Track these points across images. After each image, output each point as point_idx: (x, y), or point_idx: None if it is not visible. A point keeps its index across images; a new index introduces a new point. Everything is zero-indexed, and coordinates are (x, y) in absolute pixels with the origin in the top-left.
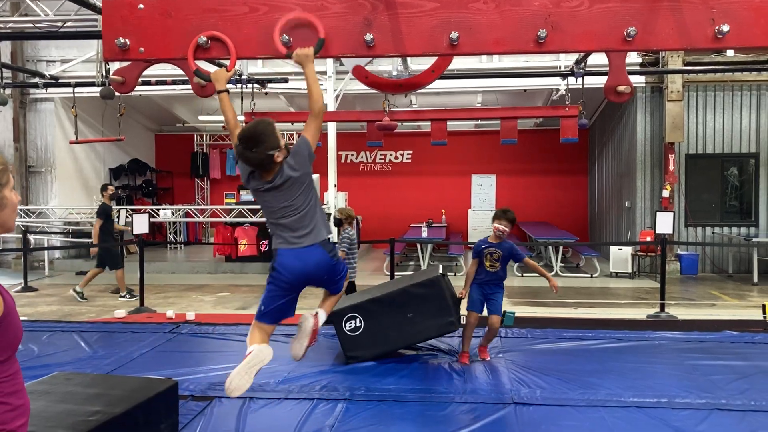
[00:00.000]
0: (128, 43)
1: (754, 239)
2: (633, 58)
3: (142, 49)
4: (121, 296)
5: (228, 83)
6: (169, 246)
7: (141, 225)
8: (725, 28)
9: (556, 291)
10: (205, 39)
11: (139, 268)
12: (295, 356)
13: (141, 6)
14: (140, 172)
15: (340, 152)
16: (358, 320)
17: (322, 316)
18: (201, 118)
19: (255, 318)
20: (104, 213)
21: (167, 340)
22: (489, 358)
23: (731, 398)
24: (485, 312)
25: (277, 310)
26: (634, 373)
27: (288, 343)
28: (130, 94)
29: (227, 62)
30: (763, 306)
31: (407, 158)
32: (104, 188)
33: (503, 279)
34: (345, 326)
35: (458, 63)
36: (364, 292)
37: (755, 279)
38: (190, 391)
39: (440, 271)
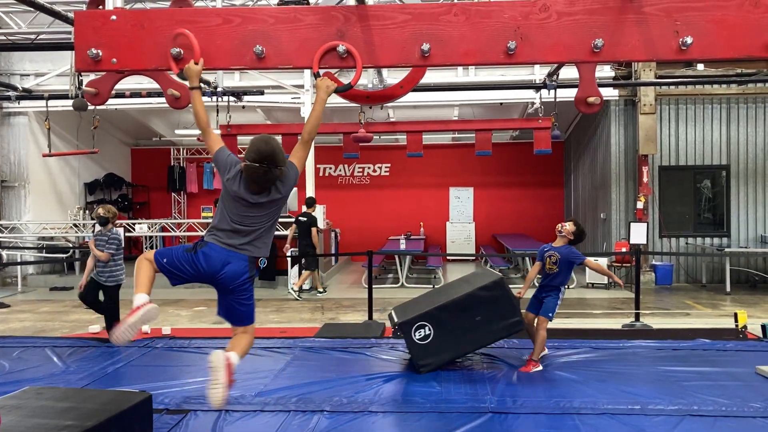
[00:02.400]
0: (101, 54)
1: (727, 249)
2: (606, 72)
3: (115, 60)
4: (319, 292)
5: (204, 96)
6: None
7: None
8: (689, 40)
9: (622, 286)
10: (177, 50)
11: None
12: (215, 404)
13: (114, 17)
14: (116, 186)
15: (318, 165)
16: (427, 328)
17: (234, 359)
18: (177, 131)
19: (154, 254)
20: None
21: (142, 354)
22: (530, 371)
23: (703, 404)
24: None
25: (174, 269)
26: (608, 380)
27: (263, 355)
28: (105, 107)
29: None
30: (735, 315)
31: (385, 171)
32: (313, 202)
33: (562, 283)
34: (415, 335)
35: (435, 77)
36: (419, 301)
37: (728, 288)
38: (164, 404)
39: (498, 273)
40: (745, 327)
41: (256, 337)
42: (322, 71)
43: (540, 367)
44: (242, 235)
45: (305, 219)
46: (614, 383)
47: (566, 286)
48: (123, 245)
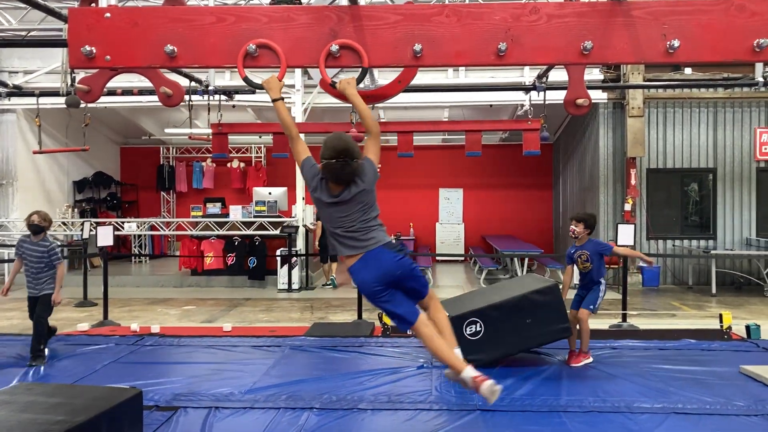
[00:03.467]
0: (94, 51)
1: (713, 252)
2: (595, 75)
3: (108, 57)
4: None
5: (194, 94)
6: (134, 259)
7: (105, 237)
8: (676, 43)
9: (651, 265)
10: (171, 48)
11: (102, 281)
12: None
13: (108, 15)
14: (105, 185)
15: None
16: (478, 325)
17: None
18: (167, 130)
19: (413, 325)
20: None
21: (131, 352)
22: (580, 364)
23: (688, 402)
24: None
25: (396, 308)
26: (595, 379)
27: (253, 353)
28: (95, 105)
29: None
30: (720, 316)
31: None
32: None
33: (600, 276)
34: (465, 330)
35: (426, 78)
36: (468, 298)
37: (713, 290)
38: (154, 401)
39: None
40: (729, 328)
41: (246, 335)
42: (337, 80)
43: (590, 359)
44: (359, 234)
45: None
46: (601, 382)
47: (605, 277)
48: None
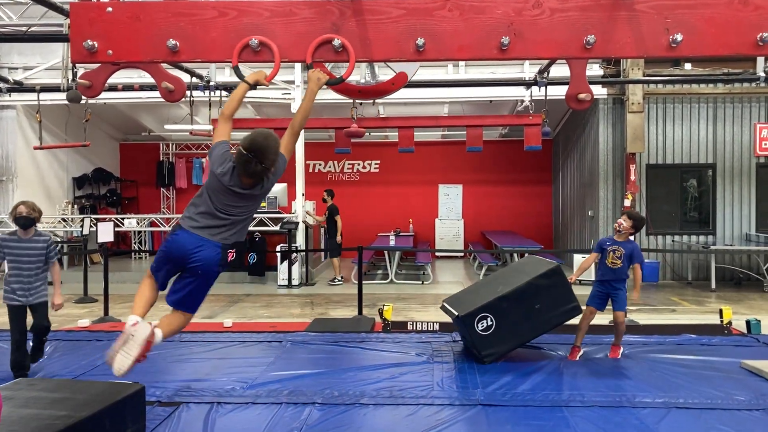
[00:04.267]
0: (96, 45)
1: (712, 247)
2: (595, 70)
3: (110, 51)
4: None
5: (196, 90)
6: (134, 255)
7: (105, 234)
8: (679, 37)
9: (637, 299)
10: (174, 43)
11: (103, 277)
12: (117, 370)
13: (110, 9)
14: (104, 181)
15: (308, 162)
16: (489, 319)
17: (159, 336)
18: (167, 127)
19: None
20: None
21: None
22: (619, 357)
23: (689, 397)
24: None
25: (159, 273)
26: (596, 374)
27: (253, 349)
28: (95, 102)
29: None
30: (720, 311)
31: (375, 168)
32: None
33: (625, 277)
34: (477, 327)
35: (426, 74)
36: (473, 292)
37: (713, 285)
38: (156, 396)
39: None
40: (729, 323)
41: (247, 331)
42: (316, 63)
43: (622, 348)
44: (221, 223)
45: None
46: (602, 377)
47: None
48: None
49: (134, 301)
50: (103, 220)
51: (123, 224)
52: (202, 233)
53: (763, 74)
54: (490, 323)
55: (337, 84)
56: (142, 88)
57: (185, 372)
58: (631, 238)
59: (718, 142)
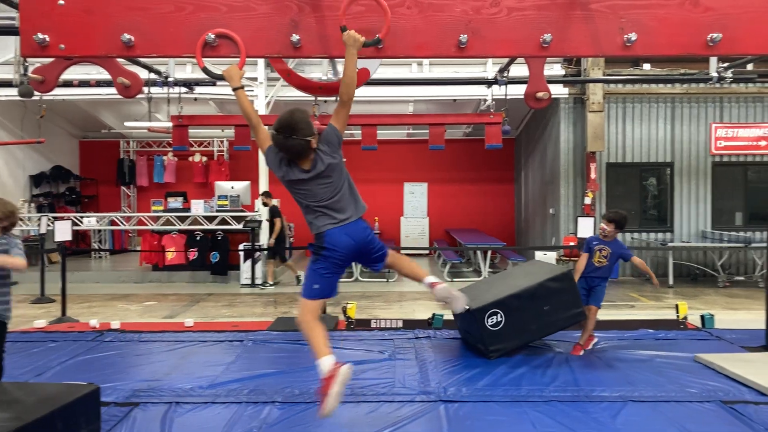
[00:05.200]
0: (48, 39)
1: (670, 244)
2: (557, 70)
3: (62, 45)
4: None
5: (154, 86)
6: (93, 255)
7: (63, 232)
8: (633, 36)
9: (657, 286)
10: (128, 37)
11: (61, 277)
12: (327, 412)
13: (61, 2)
14: (63, 179)
15: None
16: (499, 315)
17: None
18: (127, 124)
19: (305, 297)
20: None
21: (90, 348)
22: (581, 354)
23: (644, 390)
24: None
25: (328, 286)
26: (555, 369)
27: (214, 348)
28: (52, 98)
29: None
30: (677, 306)
31: None
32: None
33: (610, 275)
34: (487, 322)
35: (389, 72)
36: (479, 288)
37: (671, 282)
38: (113, 397)
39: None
40: (685, 318)
41: (208, 330)
42: (350, 25)
43: (590, 346)
44: (336, 210)
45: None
46: (561, 372)
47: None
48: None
49: (313, 342)
50: (61, 218)
51: (82, 223)
52: (341, 224)
53: (716, 74)
54: (499, 319)
55: (374, 45)
56: (100, 84)
57: (144, 372)
58: (618, 237)
59: (676, 141)
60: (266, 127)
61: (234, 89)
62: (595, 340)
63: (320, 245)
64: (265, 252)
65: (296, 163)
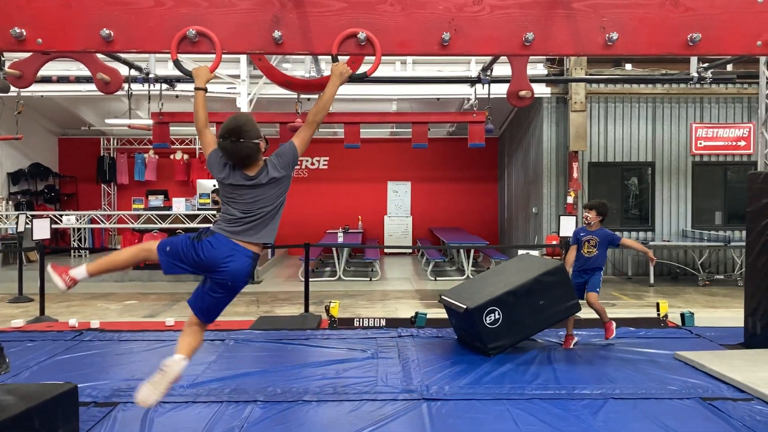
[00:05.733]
0: (24, 33)
1: (651, 243)
2: (540, 70)
3: (40, 40)
4: None
5: (134, 83)
6: (73, 253)
7: (41, 230)
8: (614, 36)
9: (654, 262)
10: (108, 32)
11: (39, 275)
12: (144, 402)
13: None
14: (42, 176)
15: None
16: (497, 313)
17: (184, 365)
18: (108, 121)
19: (159, 243)
20: None
21: (68, 347)
22: (571, 347)
23: (625, 388)
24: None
25: (174, 256)
26: (537, 367)
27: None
28: (31, 94)
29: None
30: (657, 305)
31: (323, 165)
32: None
33: (603, 263)
34: (485, 320)
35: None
36: (473, 287)
37: (651, 280)
38: (92, 397)
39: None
40: (666, 316)
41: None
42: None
43: (571, 345)
44: (247, 222)
45: None
46: (542, 370)
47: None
48: None
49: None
50: (40, 216)
51: (61, 221)
52: (236, 238)
53: (696, 75)
54: (497, 317)
55: (360, 79)
56: (79, 80)
57: (124, 372)
58: (602, 225)
59: (657, 141)
60: (212, 130)
61: (195, 88)
62: (576, 339)
63: (203, 236)
64: None
65: (240, 168)
